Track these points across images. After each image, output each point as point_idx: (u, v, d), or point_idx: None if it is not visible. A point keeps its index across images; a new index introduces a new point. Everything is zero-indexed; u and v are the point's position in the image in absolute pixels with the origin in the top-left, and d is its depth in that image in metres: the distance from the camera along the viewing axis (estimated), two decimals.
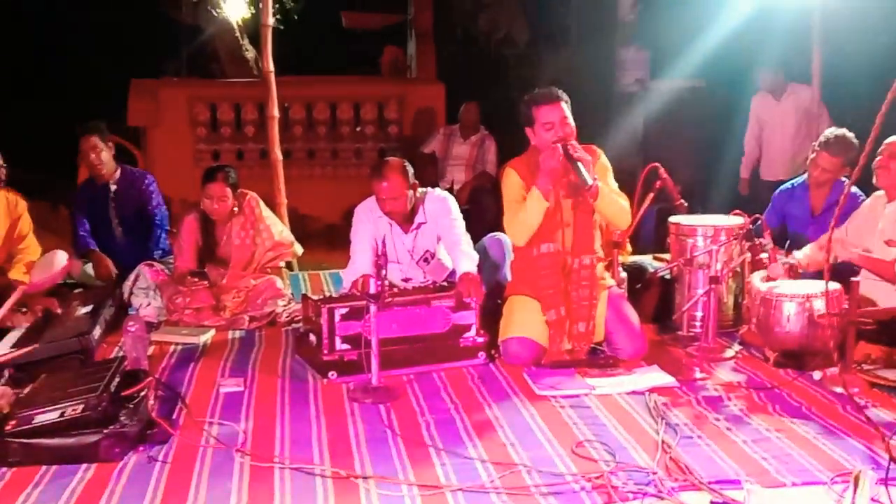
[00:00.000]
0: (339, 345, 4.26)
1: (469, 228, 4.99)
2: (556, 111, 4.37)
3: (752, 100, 7.58)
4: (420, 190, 4.94)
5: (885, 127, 3.03)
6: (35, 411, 3.46)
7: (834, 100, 7.03)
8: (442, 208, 4.91)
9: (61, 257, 5.62)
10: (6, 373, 4.09)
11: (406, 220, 4.91)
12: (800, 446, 3.41)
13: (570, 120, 4.40)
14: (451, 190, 8.33)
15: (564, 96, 4.43)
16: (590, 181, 4.23)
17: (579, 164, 4.24)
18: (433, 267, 4.93)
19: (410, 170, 4.83)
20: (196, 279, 5.39)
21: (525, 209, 4.40)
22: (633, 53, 9.88)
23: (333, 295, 4.72)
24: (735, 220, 4.96)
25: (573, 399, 3.95)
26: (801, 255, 4.86)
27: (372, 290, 3.97)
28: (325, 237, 9.32)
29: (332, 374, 4.20)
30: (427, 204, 4.92)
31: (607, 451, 3.38)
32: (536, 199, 4.35)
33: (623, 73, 9.93)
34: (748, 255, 4.79)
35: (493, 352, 4.52)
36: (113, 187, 6.02)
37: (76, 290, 5.64)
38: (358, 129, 10.46)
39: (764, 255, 4.69)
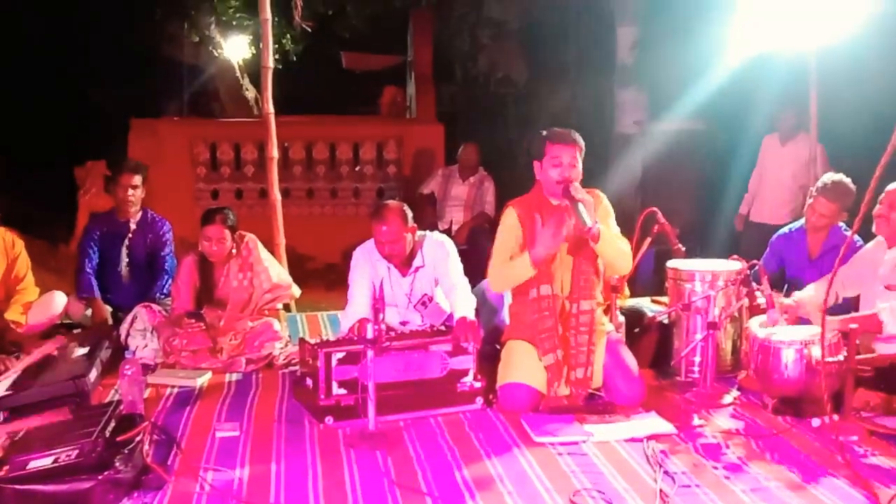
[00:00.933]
0: (336, 389, 4.24)
1: (467, 268, 5.01)
2: (569, 152, 4.40)
3: (763, 140, 7.57)
4: (419, 233, 4.95)
5: (883, 177, 3.04)
6: (29, 456, 3.43)
7: (831, 144, 7.05)
8: (440, 252, 4.92)
9: (59, 299, 5.63)
10: (0, 416, 4.07)
11: (404, 263, 4.92)
12: (799, 496, 3.40)
13: (579, 166, 4.42)
14: (449, 230, 8.35)
15: (581, 143, 4.45)
16: (589, 223, 4.23)
17: (580, 205, 4.25)
18: (431, 310, 4.93)
19: (409, 213, 4.85)
20: (192, 320, 5.39)
21: (512, 266, 4.43)
22: (631, 95, 9.94)
23: (331, 338, 4.71)
24: (733, 265, 4.96)
25: (571, 446, 3.93)
26: (803, 295, 4.84)
27: (369, 334, 3.96)
28: (323, 276, 9.33)
29: (329, 419, 4.18)
30: (426, 247, 4.93)
31: (605, 501, 3.37)
32: (525, 265, 4.37)
33: (621, 115, 9.99)
34: (746, 301, 4.79)
35: (490, 397, 4.50)
36: (132, 226, 6.08)
37: (73, 331, 5.62)
38: (357, 168, 10.51)
39: (761, 301, 4.68)
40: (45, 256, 9.09)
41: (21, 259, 5.82)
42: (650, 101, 9.79)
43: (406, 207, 4.86)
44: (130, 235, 6.08)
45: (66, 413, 3.99)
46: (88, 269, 6.01)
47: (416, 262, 4.92)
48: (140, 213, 6.14)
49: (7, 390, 4.40)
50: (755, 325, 4.56)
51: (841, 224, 5.47)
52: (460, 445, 3.97)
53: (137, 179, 6.04)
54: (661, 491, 3.41)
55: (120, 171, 6.09)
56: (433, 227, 7.99)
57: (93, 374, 4.66)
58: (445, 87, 12.26)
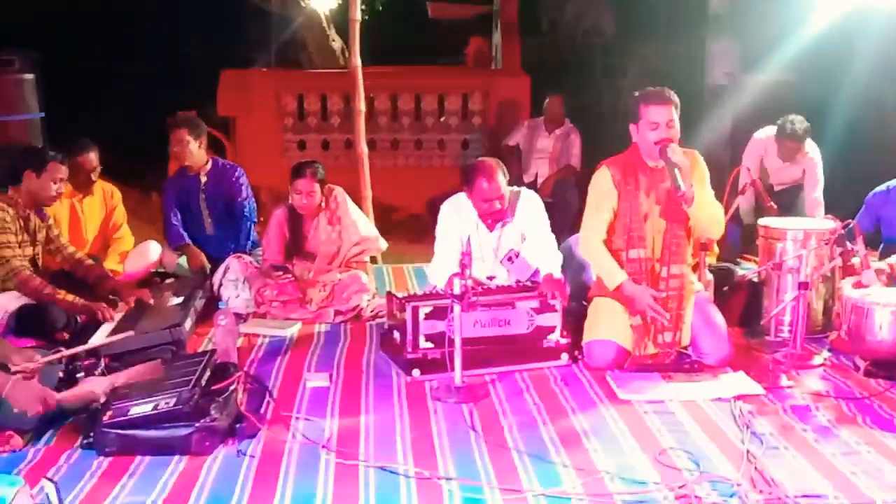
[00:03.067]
0: (423, 343, 4.30)
1: (552, 222, 5.01)
2: (665, 113, 4.30)
3: (761, 141, 6.91)
4: (512, 189, 4.95)
5: None
6: (130, 403, 3.57)
7: None
8: (529, 208, 4.92)
9: (155, 248, 5.80)
10: (102, 362, 4.22)
11: (494, 218, 4.92)
12: (891, 461, 3.35)
13: (677, 124, 4.34)
14: (534, 183, 8.30)
15: (676, 99, 4.35)
16: (683, 187, 4.17)
17: (676, 170, 4.19)
18: (517, 266, 4.93)
19: (505, 169, 4.85)
20: (280, 273, 5.49)
21: (602, 262, 4.46)
22: (723, 46, 9.68)
23: (417, 291, 4.76)
24: (826, 223, 4.85)
25: (657, 404, 3.93)
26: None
27: (457, 290, 3.99)
28: (408, 227, 9.37)
29: (416, 372, 4.25)
30: (517, 203, 4.92)
31: (691, 460, 3.37)
32: (611, 280, 4.41)
33: (713, 67, 9.75)
34: (839, 261, 4.69)
35: (576, 353, 4.51)
36: (203, 179, 6.09)
37: (167, 281, 5.78)
38: (442, 119, 10.49)
39: (856, 261, 4.58)
40: (137, 205, 9.32)
41: (119, 209, 6.02)
42: (742, 52, 9.53)
43: (501, 163, 4.87)
44: (203, 187, 6.11)
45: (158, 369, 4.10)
46: (175, 222, 6.08)
47: (505, 218, 4.92)
48: (210, 164, 6.12)
49: (107, 337, 4.57)
50: (848, 286, 4.47)
51: None
52: (546, 401, 4.00)
53: (184, 133, 5.95)
54: (748, 452, 3.40)
55: (168, 128, 6.06)
56: (518, 180, 7.97)
57: (188, 324, 4.80)
58: (531, 37, 12.09)
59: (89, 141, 5.83)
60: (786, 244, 4.88)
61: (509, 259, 4.93)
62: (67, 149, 5.49)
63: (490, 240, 4.96)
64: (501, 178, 4.78)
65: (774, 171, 6.85)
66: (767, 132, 6.85)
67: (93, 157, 5.79)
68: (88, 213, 5.89)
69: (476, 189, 4.79)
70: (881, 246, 5.33)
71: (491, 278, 4.97)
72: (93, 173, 5.81)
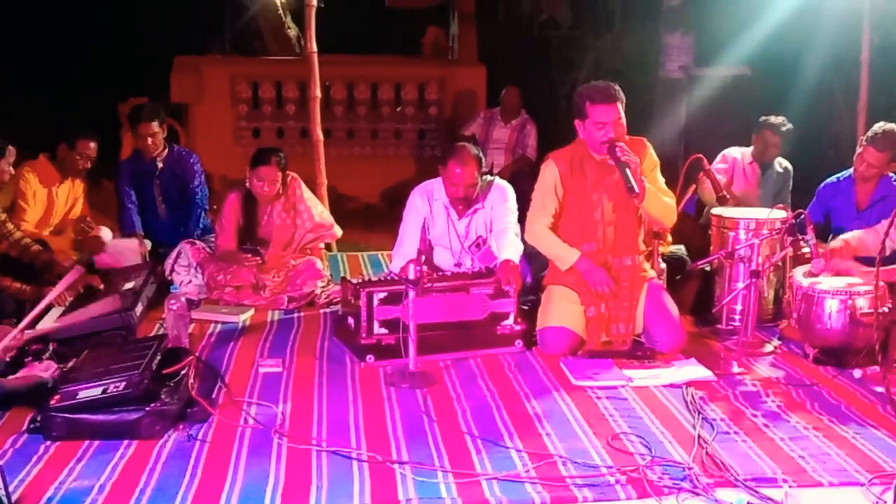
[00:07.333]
0: (377, 329, 4.28)
1: None
2: (612, 112, 4.29)
3: (726, 154, 6.40)
4: (485, 177, 4.94)
5: None
6: (78, 387, 3.52)
7: (885, 91, 6.89)
8: (500, 196, 4.91)
9: (106, 234, 5.72)
10: (50, 347, 4.16)
11: (465, 205, 4.90)
12: (838, 446, 3.40)
13: (623, 120, 4.34)
14: (490, 173, 8.31)
15: (622, 96, 4.34)
16: (636, 189, 4.18)
17: (627, 170, 4.19)
18: (484, 253, 4.91)
19: (482, 156, 4.84)
20: (249, 255, 5.43)
21: (555, 247, 4.48)
22: (677, 39, 9.73)
23: (372, 278, 4.74)
24: (778, 213, 4.91)
25: (610, 390, 3.96)
26: (849, 236, 4.79)
27: (411, 275, 3.98)
28: (363, 217, 9.33)
29: (370, 358, 4.23)
30: (489, 192, 4.91)
31: (643, 445, 3.39)
32: (566, 261, 4.42)
33: (667, 59, 9.81)
34: (790, 250, 4.74)
35: (533, 338, 4.51)
36: (160, 164, 6.08)
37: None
38: (398, 109, 10.44)
39: (806, 250, 4.64)
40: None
41: (80, 201, 6.04)
42: (697, 46, 9.61)
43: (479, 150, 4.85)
44: (158, 173, 6.10)
45: None
46: (129, 205, 6.09)
47: (475, 205, 4.91)
48: (166, 150, 6.13)
49: (55, 322, 4.50)
50: (799, 275, 4.52)
51: (891, 174, 5.36)
52: (500, 387, 4.01)
53: (156, 126, 5.99)
54: (699, 437, 3.43)
55: (137, 121, 6.01)
56: None
57: (138, 309, 4.74)
58: (488, 28, 12.09)
59: (92, 129, 5.86)
60: (738, 233, 4.93)
61: (476, 245, 4.93)
62: (72, 133, 5.63)
63: (459, 227, 4.94)
64: (474, 169, 4.76)
65: None
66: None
67: (93, 145, 5.78)
68: (59, 201, 5.85)
69: (448, 170, 4.78)
70: (830, 237, 5.39)
71: (458, 266, 4.94)
72: (90, 161, 5.81)
